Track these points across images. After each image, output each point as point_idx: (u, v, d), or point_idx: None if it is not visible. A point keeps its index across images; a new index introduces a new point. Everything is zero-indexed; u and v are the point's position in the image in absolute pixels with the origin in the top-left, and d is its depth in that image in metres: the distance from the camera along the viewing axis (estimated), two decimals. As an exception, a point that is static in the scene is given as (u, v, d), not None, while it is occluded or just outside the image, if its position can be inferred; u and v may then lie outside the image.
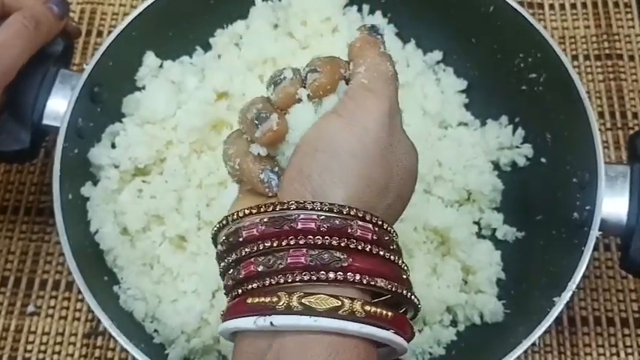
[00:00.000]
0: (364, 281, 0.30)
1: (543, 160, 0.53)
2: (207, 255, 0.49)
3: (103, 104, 0.52)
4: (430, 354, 0.50)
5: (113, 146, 0.52)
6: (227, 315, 0.32)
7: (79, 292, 0.53)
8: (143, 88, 0.54)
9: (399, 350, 0.32)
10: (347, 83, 0.35)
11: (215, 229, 0.34)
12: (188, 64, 0.56)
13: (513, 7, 0.52)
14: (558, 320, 0.51)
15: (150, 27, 0.53)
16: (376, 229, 0.32)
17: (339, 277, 0.30)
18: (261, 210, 0.32)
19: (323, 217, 0.31)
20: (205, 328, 0.48)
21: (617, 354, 0.52)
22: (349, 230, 0.31)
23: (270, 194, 0.34)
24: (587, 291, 0.54)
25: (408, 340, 0.32)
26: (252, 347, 0.31)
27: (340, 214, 0.31)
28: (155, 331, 0.48)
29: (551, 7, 0.64)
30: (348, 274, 0.30)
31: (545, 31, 0.51)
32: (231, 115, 0.52)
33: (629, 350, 0.52)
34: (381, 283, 0.31)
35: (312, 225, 0.31)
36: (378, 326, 0.30)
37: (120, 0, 0.65)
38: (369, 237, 0.31)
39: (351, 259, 0.31)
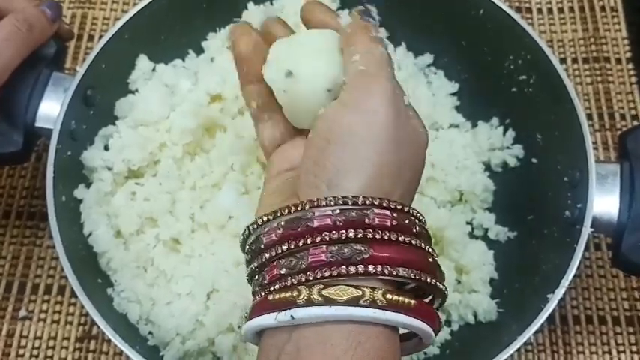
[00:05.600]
0: (386, 272, 0.30)
1: (534, 160, 0.54)
2: (201, 257, 0.49)
3: (96, 107, 0.51)
4: (425, 353, 0.50)
5: (106, 149, 0.52)
6: (250, 315, 0.32)
7: (72, 295, 0.53)
8: (136, 90, 0.54)
9: (424, 337, 0.32)
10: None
11: (241, 239, 0.35)
12: (181, 68, 0.56)
13: (503, 9, 0.53)
14: (551, 319, 0.52)
15: (142, 30, 0.54)
16: (395, 214, 0.31)
17: (360, 269, 0.30)
18: (278, 215, 0.32)
19: (338, 211, 0.31)
20: (200, 329, 0.48)
21: (609, 352, 0.52)
22: (366, 220, 0.31)
23: None
24: (579, 290, 0.54)
25: (435, 329, 0.32)
26: (272, 339, 0.31)
27: (355, 205, 0.31)
28: (150, 333, 0.48)
29: (539, 11, 0.65)
30: (369, 266, 0.30)
31: (534, 32, 0.52)
32: (224, 118, 0.53)
33: (621, 348, 0.52)
34: (403, 272, 0.30)
35: (328, 221, 0.31)
36: (400, 313, 0.30)
37: (111, 5, 0.65)
38: (388, 224, 0.31)
39: (372, 250, 0.30)
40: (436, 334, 0.32)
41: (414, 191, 0.35)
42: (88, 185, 0.51)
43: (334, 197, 0.31)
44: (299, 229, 0.31)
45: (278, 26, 0.41)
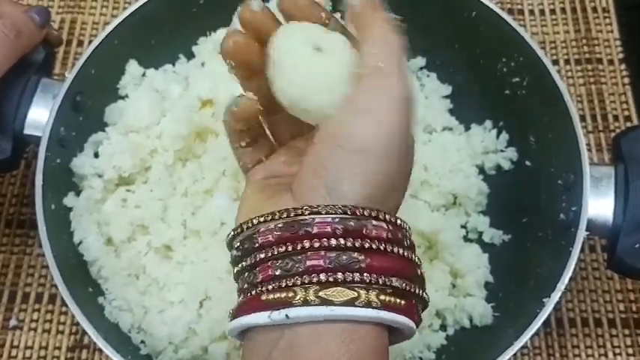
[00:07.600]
0: (380, 281, 0.31)
1: (528, 163, 0.54)
2: (193, 264, 0.49)
3: (85, 113, 0.51)
4: (420, 359, 0.49)
5: (96, 155, 0.51)
6: (239, 312, 0.32)
7: (63, 304, 0.53)
8: (126, 96, 0.53)
9: (408, 333, 0.32)
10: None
11: (230, 236, 0.34)
12: (171, 73, 0.56)
13: (495, 11, 0.52)
14: (546, 322, 0.51)
15: (132, 35, 0.53)
16: (390, 227, 0.32)
17: (356, 277, 0.30)
18: (276, 217, 0.32)
19: (337, 219, 0.31)
20: (193, 338, 0.47)
21: (606, 354, 0.52)
22: (364, 231, 0.31)
23: None
24: (574, 292, 0.54)
25: (417, 325, 0.33)
26: (263, 336, 0.31)
27: (354, 215, 0.31)
28: (142, 342, 0.48)
29: (531, 12, 0.65)
30: (365, 274, 0.30)
31: (527, 34, 0.52)
32: (216, 123, 0.52)
33: (617, 350, 0.52)
34: (396, 283, 0.31)
35: (328, 228, 0.31)
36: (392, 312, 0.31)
37: (100, 10, 0.65)
38: (384, 236, 0.31)
39: (368, 260, 0.31)
40: (417, 326, 0.33)
41: (402, 199, 0.35)
42: (78, 193, 0.50)
43: (334, 205, 0.31)
44: (298, 233, 0.31)
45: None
